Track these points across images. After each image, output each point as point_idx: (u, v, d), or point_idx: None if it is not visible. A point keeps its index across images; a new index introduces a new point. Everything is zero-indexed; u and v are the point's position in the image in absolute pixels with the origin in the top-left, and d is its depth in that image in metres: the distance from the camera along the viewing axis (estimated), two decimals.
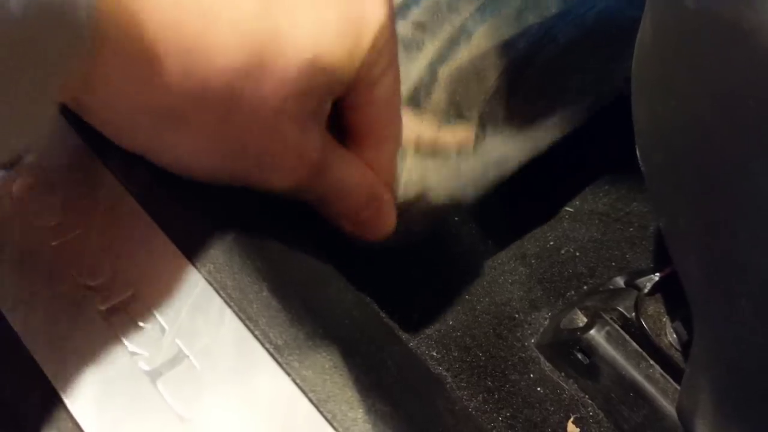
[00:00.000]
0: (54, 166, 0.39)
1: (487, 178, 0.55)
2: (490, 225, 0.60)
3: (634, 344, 0.50)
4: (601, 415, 0.51)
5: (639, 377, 0.49)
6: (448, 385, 0.51)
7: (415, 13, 0.70)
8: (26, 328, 0.35)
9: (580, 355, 0.51)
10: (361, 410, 0.35)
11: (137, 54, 0.32)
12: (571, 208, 0.62)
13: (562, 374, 0.53)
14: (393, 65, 0.42)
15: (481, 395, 0.52)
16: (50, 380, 0.34)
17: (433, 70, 0.66)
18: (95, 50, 0.31)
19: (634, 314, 0.51)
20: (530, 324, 0.55)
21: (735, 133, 0.32)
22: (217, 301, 0.36)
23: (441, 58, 0.66)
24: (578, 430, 0.51)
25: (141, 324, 0.35)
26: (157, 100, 0.34)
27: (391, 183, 0.48)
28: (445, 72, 0.66)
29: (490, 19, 0.69)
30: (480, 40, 0.68)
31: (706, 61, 0.32)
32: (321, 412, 0.34)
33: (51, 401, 0.34)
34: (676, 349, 0.51)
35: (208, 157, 0.37)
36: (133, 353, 0.34)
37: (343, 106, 0.41)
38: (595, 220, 0.61)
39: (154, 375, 0.34)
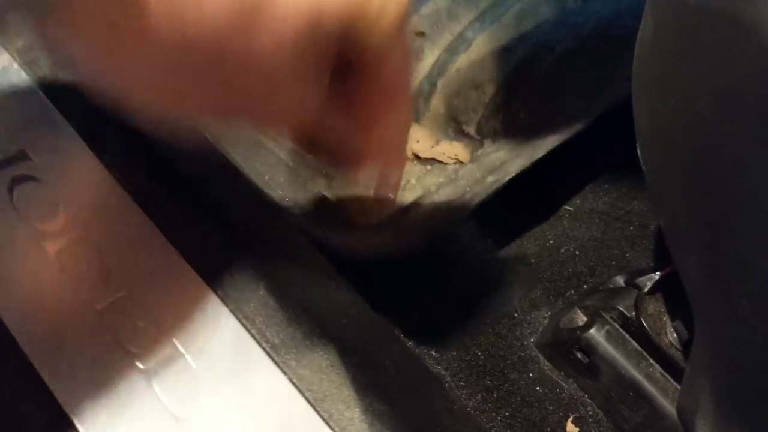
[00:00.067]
0: (50, 163, 0.39)
1: (486, 185, 0.55)
2: (489, 223, 0.60)
3: (634, 343, 0.50)
4: (601, 414, 0.51)
5: (639, 376, 0.49)
6: (446, 384, 0.51)
7: (415, 22, 0.70)
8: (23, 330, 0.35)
9: (579, 355, 0.51)
10: (357, 409, 0.34)
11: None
12: (571, 206, 0.62)
13: (562, 373, 0.53)
14: (400, 24, 0.39)
15: (479, 394, 0.52)
16: (44, 379, 0.33)
17: (432, 81, 0.66)
18: None
19: (634, 313, 0.51)
20: (529, 323, 0.55)
21: (735, 131, 0.31)
22: (213, 300, 0.36)
23: (440, 68, 0.67)
24: (577, 429, 0.51)
25: (137, 323, 0.35)
26: (143, 48, 0.32)
27: (402, 155, 0.46)
28: (444, 83, 0.66)
29: (490, 27, 0.69)
30: (479, 47, 0.68)
31: (706, 58, 0.32)
32: (317, 412, 0.34)
33: (47, 401, 0.33)
34: (676, 348, 0.50)
35: (196, 101, 0.35)
36: (129, 352, 0.34)
37: (353, 74, 0.39)
38: (596, 219, 0.61)
39: (149, 374, 0.34)
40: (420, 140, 0.62)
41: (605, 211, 0.61)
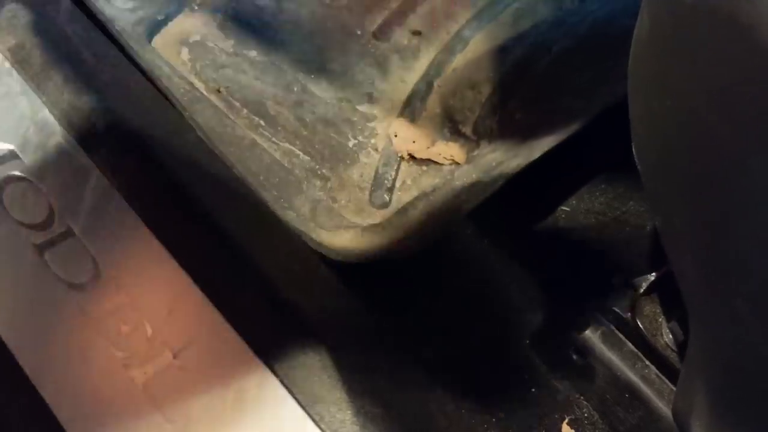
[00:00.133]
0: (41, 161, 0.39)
1: (482, 185, 0.55)
2: (485, 224, 0.59)
3: (630, 345, 0.49)
4: (596, 416, 0.51)
5: (634, 378, 0.49)
6: (440, 386, 0.51)
7: (412, 20, 0.70)
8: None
9: (575, 356, 0.51)
10: (350, 411, 0.34)
11: None
12: (567, 207, 0.62)
13: (557, 375, 0.53)
14: None
15: (474, 396, 0.51)
16: (31, 379, 0.33)
17: (428, 81, 0.66)
18: None
19: (629, 314, 0.51)
20: (525, 324, 0.55)
21: (733, 130, 0.31)
22: (202, 301, 0.35)
23: (437, 67, 0.67)
24: (573, 431, 0.51)
25: (125, 326, 0.34)
26: None
27: None
28: (440, 83, 0.66)
29: (487, 26, 0.69)
30: (476, 47, 0.68)
31: (702, 56, 0.32)
32: (309, 414, 0.33)
33: (35, 403, 0.33)
34: (672, 349, 0.50)
35: None
36: (118, 354, 0.33)
37: None
38: (592, 220, 0.61)
39: (139, 376, 0.34)
40: (416, 140, 0.62)
41: (601, 211, 0.61)
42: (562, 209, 0.62)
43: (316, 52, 0.67)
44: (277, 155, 0.59)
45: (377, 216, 0.57)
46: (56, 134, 0.40)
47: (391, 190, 0.59)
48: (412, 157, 0.61)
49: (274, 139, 0.60)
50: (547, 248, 0.59)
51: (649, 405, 0.48)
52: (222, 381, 0.34)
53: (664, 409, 0.48)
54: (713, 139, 0.33)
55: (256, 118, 0.61)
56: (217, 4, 0.68)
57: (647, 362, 0.49)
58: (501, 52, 0.67)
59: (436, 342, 0.53)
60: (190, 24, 0.66)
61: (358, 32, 0.69)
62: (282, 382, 0.34)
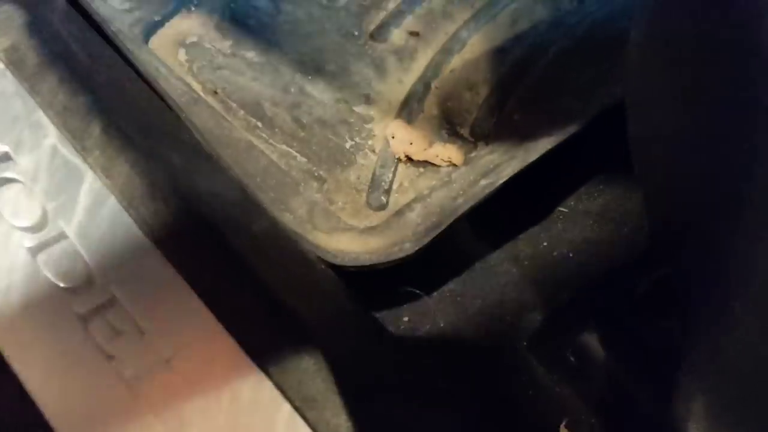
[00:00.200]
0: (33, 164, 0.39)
1: (480, 187, 0.54)
2: (482, 225, 0.59)
3: (627, 346, 0.49)
4: (594, 419, 0.51)
5: (632, 380, 0.49)
6: (437, 389, 0.50)
7: (409, 21, 0.70)
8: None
9: (572, 358, 0.51)
10: (344, 416, 0.34)
11: None
12: (565, 208, 0.61)
13: (555, 377, 0.52)
14: None
15: (471, 399, 0.51)
16: (21, 381, 0.33)
17: (426, 82, 0.66)
18: None
19: (626, 316, 0.50)
20: (522, 326, 0.54)
21: (730, 131, 0.31)
22: (196, 305, 0.35)
23: (434, 69, 0.67)
24: None
25: (117, 328, 0.34)
26: None
27: None
28: (438, 84, 0.66)
29: (485, 26, 0.69)
30: (474, 47, 0.68)
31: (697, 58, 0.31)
32: (303, 418, 0.33)
33: (27, 407, 0.33)
34: (669, 351, 0.50)
35: None
36: (111, 358, 0.33)
37: None
38: (590, 221, 0.60)
39: (131, 380, 0.34)
40: (413, 142, 0.62)
41: (599, 212, 0.61)
42: (560, 210, 0.61)
43: (314, 53, 0.66)
44: (274, 157, 0.59)
45: (374, 218, 0.57)
46: (50, 136, 0.40)
47: (388, 192, 0.59)
48: (409, 158, 0.61)
49: (271, 140, 0.60)
50: (544, 249, 0.59)
51: (646, 407, 0.48)
52: (216, 384, 0.34)
53: (661, 412, 0.48)
54: (710, 139, 0.32)
55: (253, 120, 0.61)
56: (215, 5, 0.68)
57: (644, 364, 0.49)
58: (499, 53, 0.67)
59: (432, 344, 0.53)
60: (187, 25, 0.66)
61: (356, 33, 0.68)
62: (276, 385, 0.34)
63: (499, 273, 0.58)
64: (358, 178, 0.60)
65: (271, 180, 0.57)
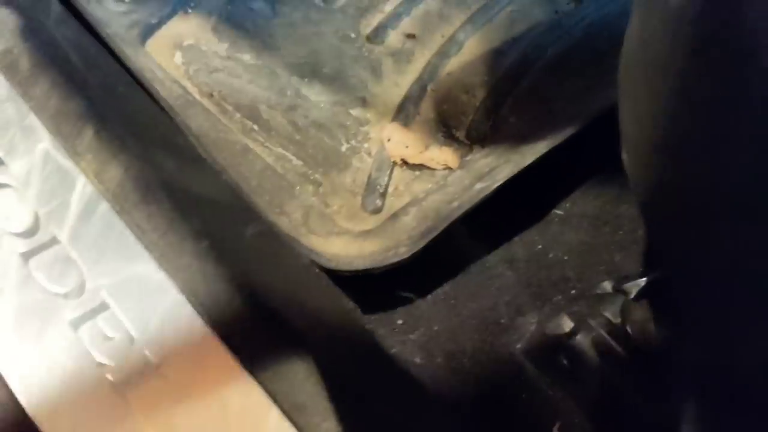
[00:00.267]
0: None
1: (475, 191, 0.54)
2: (477, 228, 0.59)
3: (620, 350, 0.49)
4: (587, 422, 0.51)
5: (624, 384, 0.49)
6: (430, 393, 0.51)
7: (406, 23, 0.70)
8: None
9: (566, 361, 0.51)
10: (334, 421, 0.34)
11: None
12: (560, 211, 0.61)
13: (548, 380, 0.52)
14: None
15: (465, 402, 0.51)
16: (9, 387, 0.33)
17: (422, 84, 0.66)
18: None
19: (620, 320, 0.50)
20: (516, 329, 0.54)
21: (719, 137, 0.31)
22: (187, 310, 0.35)
23: (431, 71, 0.67)
24: None
25: (109, 333, 0.34)
26: None
27: None
28: (434, 87, 0.66)
29: (482, 29, 0.69)
30: (471, 50, 0.68)
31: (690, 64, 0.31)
32: (293, 423, 0.33)
33: (16, 407, 0.33)
34: (662, 355, 0.50)
35: None
36: (101, 364, 0.33)
37: None
38: (585, 224, 0.60)
39: (121, 386, 0.34)
40: (409, 145, 0.62)
41: (595, 215, 0.61)
42: (555, 213, 0.61)
43: (310, 55, 0.66)
44: (270, 160, 0.59)
45: (370, 222, 0.57)
46: (43, 140, 0.40)
47: (383, 195, 0.59)
48: (404, 162, 0.61)
49: (266, 143, 0.60)
50: (539, 252, 0.59)
51: (639, 411, 0.48)
52: (206, 390, 0.34)
53: (655, 414, 0.48)
54: (700, 144, 0.32)
55: (249, 123, 0.61)
56: (211, 7, 0.68)
57: (637, 368, 0.49)
58: (495, 56, 0.67)
59: (425, 348, 0.53)
60: (184, 27, 0.66)
61: (352, 35, 0.68)
62: (266, 391, 0.34)
63: (494, 276, 0.57)
64: (354, 182, 0.60)
65: (267, 183, 0.57)
